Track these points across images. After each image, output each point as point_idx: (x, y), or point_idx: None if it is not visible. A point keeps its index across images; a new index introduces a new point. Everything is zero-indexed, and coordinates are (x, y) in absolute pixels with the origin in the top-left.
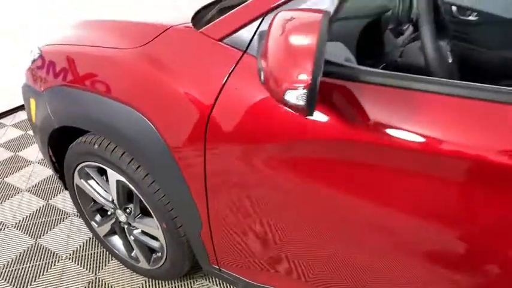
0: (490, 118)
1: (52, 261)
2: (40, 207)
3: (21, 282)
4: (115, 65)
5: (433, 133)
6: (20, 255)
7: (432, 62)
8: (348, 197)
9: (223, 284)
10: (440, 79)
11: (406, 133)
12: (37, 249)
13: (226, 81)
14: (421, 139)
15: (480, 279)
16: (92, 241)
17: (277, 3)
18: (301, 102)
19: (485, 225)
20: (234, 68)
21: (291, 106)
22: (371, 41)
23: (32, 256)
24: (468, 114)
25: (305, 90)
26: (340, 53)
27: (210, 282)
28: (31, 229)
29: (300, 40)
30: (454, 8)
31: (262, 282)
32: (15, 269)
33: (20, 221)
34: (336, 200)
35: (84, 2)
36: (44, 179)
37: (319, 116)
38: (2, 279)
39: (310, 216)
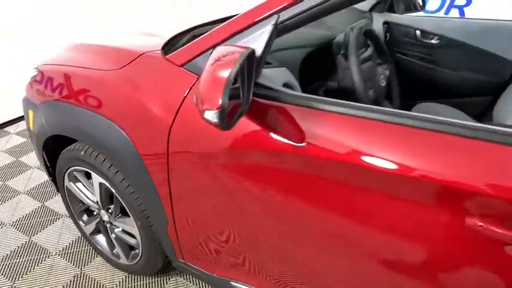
0: (385, 136)
1: (43, 257)
2: (36, 208)
3: (14, 275)
4: (98, 84)
5: (336, 146)
6: (14, 251)
7: (358, 86)
8: (287, 200)
9: (195, 280)
10: (343, 102)
11: (316, 145)
12: (30, 246)
13: (183, 100)
14: (325, 149)
15: None
16: (80, 240)
17: (222, 39)
18: (215, 120)
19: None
20: (190, 89)
21: (210, 123)
22: (323, 65)
23: (25, 252)
24: (371, 132)
25: (217, 111)
26: (283, 77)
27: (183, 278)
28: (26, 228)
29: (220, 72)
30: (418, 32)
31: (224, 276)
32: (10, 263)
33: (16, 220)
34: (277, 203)
35: (84, 2)
36: (41, 183)
37: (250, 129)
38: None
39: (260, 219)
